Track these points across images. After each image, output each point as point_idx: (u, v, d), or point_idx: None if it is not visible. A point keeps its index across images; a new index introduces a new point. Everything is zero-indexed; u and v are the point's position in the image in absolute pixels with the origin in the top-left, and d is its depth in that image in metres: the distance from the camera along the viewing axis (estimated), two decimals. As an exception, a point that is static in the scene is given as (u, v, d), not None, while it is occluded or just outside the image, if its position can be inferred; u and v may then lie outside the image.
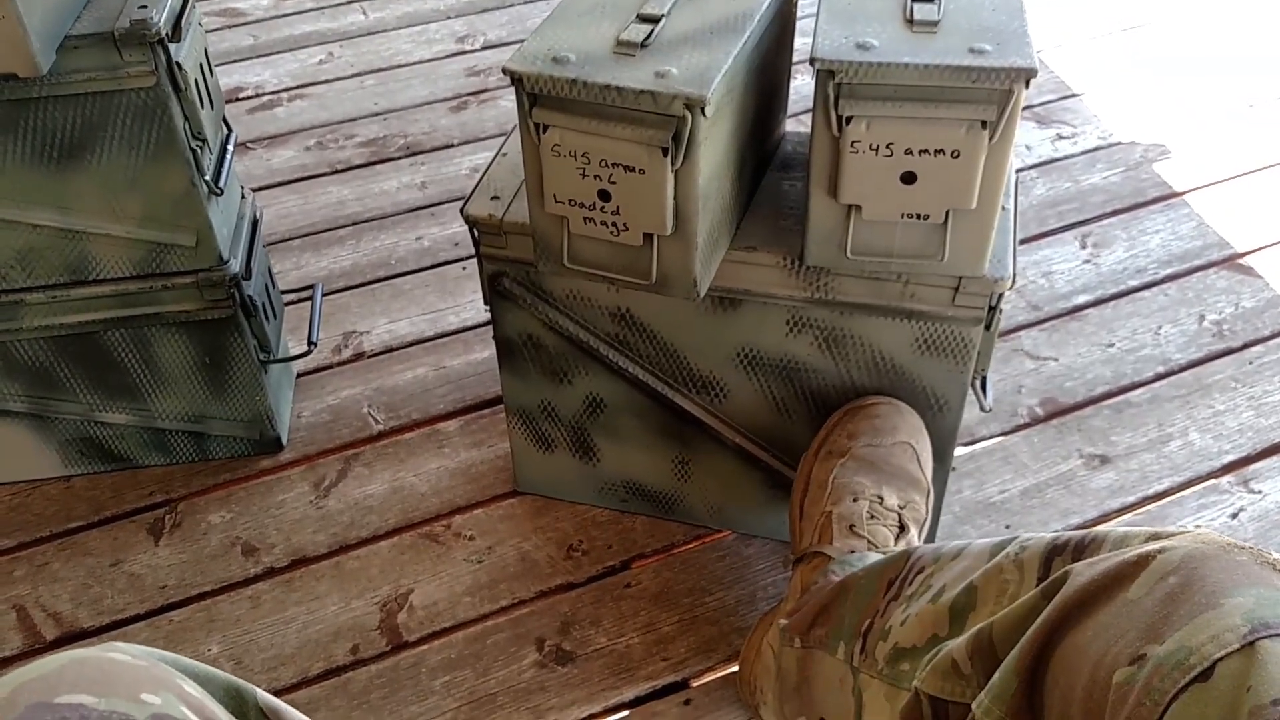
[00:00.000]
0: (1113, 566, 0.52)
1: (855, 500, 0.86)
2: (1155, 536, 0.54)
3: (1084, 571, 0.53)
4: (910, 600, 0.70)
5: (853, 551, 0.83)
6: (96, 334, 1.02)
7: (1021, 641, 0.54)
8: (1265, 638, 0.45)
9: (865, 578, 0.77)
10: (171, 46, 0.87)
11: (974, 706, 0.56)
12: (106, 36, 0.84)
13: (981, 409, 0.92)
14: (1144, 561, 0.51)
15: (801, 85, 1.50)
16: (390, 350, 1.27)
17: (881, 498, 0.86)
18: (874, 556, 0.82)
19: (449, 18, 1.90)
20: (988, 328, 0.85)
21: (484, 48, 1.81)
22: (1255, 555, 0.50)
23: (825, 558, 0.84)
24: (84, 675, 0.41)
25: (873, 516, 0.85)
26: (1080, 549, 0.58)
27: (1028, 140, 1.56)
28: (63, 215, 0.94)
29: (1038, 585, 0.58)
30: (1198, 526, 1.06)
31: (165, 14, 0.86)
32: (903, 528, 0.86)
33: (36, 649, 0.99)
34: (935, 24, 0.74)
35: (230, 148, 1.01)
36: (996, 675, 0.55)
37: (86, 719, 0.39)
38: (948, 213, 0.76)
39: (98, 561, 1.06)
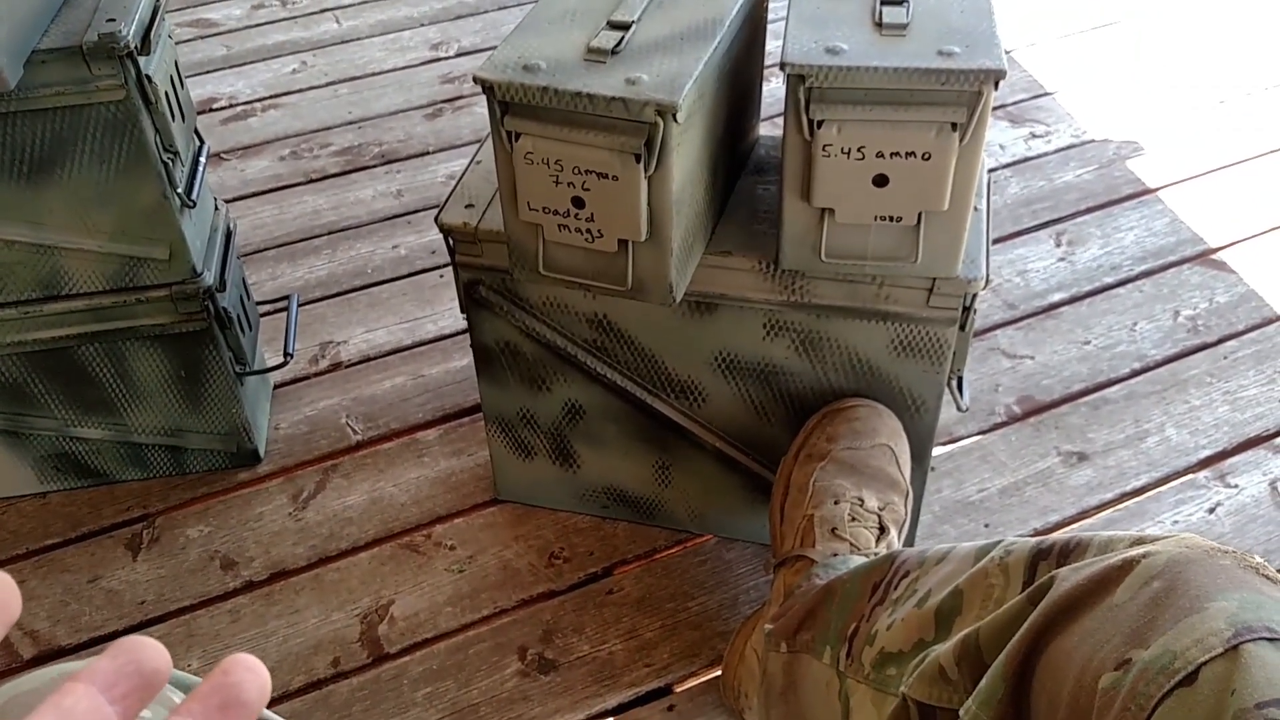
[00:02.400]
0: (1097, 571, 0.52)
1: (836, 503, 0.86)
2: (1139, 541, 0.54)
3: (1069, 577, 0.54)
4: (896, 604, 0.70)
5: (835, 554, 0.83)
6: (70, 349, 1.01)
7: (1008, 647, 0.54)
8: (1249, 641, 0.45)
9: (850, 581, 0.77)
10: (141, 59, 0.86)
11: (961, 712, 0.56)
12: (74, 50, 0.83)
13: (958, 408, 0.92)
14: (1128, 566, 0.51)
15: (775, 88, 1.51)
16: (368, 360, 1.27)
17: (862, 500, 0.86)
18: (857, 559, 0.82)
19: (422, 25, 1.89)
20: (962, 328, 0.86)
21: (458, 54, 1.81)
22: (1238, 559, 0.50)
23: (808, 561, 0.84)
24: None
25: (854, 519, 0.85)
26: (1065, 553, 0.58)
27: (1001, 139, 1.57)
28: (34, 230, 0.93)
29: (1023, 589, 0.58)
30: (1175, 522, 1.06)
31: (134, 27, 0.85)
32: (883, 529, 0.86)
33: (13, 668, 0.98)
34: (904, 27, 0.74)
35: (202, 160, 1.01)
36: (984, 681, 0.55)
37: None
38: (920, 215, 0.76)
39: (75, 578, 1.05)
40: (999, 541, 0.64)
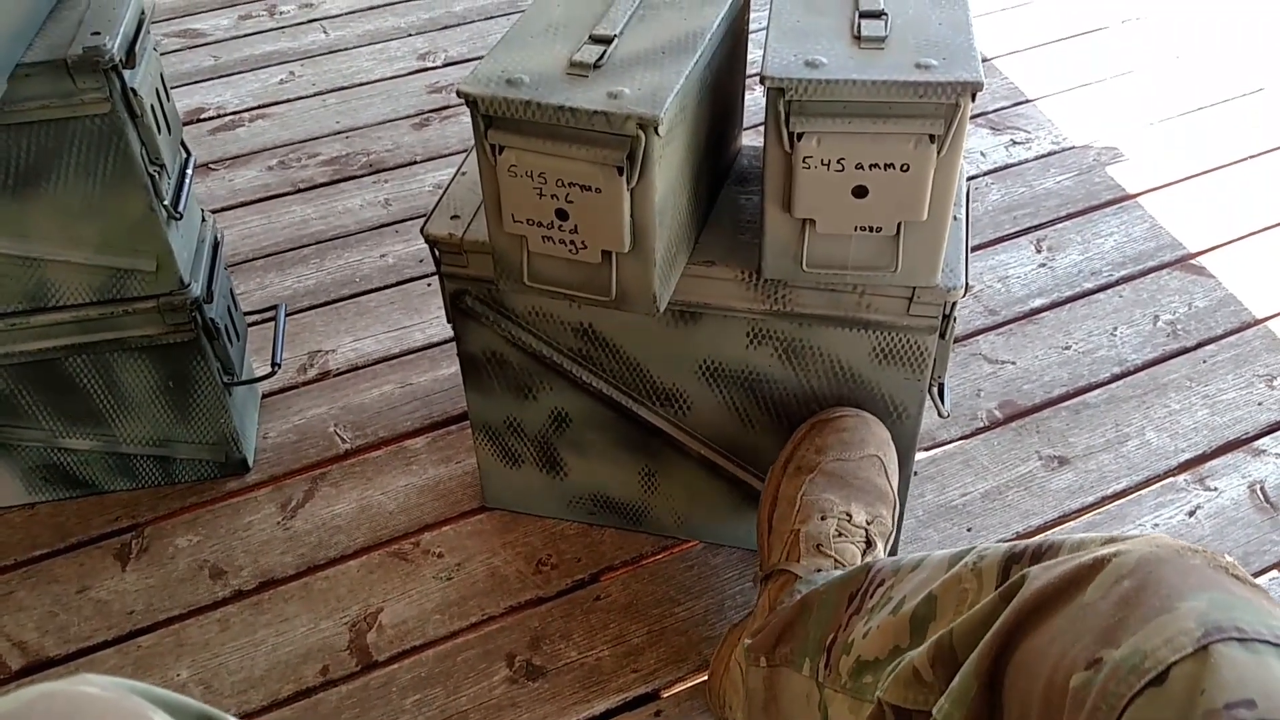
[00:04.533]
0: (1069, 570, 0.53)
1: (823, 519, 0.86)
2: (1111, 540, 0.54)
3: (1041, 575, 0.54)
4: (871, 613, 0.70)
5: (819, 570, 0.84)
6: (58, 360, 1.01)
7: (980, 645, 0.55)
8: (1218, 641, 0.45)
9: (827, 593, 0.77)
10: (126, 73, 0.87)
11: (934, 711, 0.56)
12: (59, 64, 0.84)
13: (940, 415, 0.93)
14: (1099, 565, 0.52)
15: (758, 97, 1.52)
16: (356, 368, 1.27)
17: (850, 515, 0.86)
18: (839, 574, 0.82)
19: (410, 35, 1.90)
20: (942, 336, 0.87)
21: (445, 64, 1.82)
22: (1209, 559, 0.51)
23: (793, 576, 0.84)
24: (53, 711, 0.41)
25: (840, 534, 0.85)
26: (1038, 555, 0.58)
27: (982, 146, 1.58)
28: (20, 243, 0.93)
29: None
30: (1155, 525, 1.08)
31: (119, 40, 0.86)
32: (869, 543, 0.86)
33: (2, 680, 0.98)
34: (883, 40, 0.75)
35: (189, 171, 1.01)
36: (956, 679, 0.55)
37: None
38: (899, 225, 0.77)
39: (64, 589, 1.05)
40: (972, 548, 0.65)
